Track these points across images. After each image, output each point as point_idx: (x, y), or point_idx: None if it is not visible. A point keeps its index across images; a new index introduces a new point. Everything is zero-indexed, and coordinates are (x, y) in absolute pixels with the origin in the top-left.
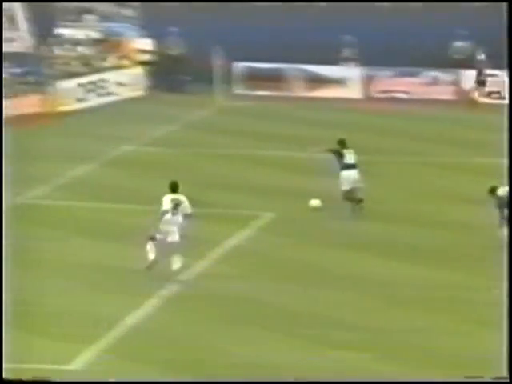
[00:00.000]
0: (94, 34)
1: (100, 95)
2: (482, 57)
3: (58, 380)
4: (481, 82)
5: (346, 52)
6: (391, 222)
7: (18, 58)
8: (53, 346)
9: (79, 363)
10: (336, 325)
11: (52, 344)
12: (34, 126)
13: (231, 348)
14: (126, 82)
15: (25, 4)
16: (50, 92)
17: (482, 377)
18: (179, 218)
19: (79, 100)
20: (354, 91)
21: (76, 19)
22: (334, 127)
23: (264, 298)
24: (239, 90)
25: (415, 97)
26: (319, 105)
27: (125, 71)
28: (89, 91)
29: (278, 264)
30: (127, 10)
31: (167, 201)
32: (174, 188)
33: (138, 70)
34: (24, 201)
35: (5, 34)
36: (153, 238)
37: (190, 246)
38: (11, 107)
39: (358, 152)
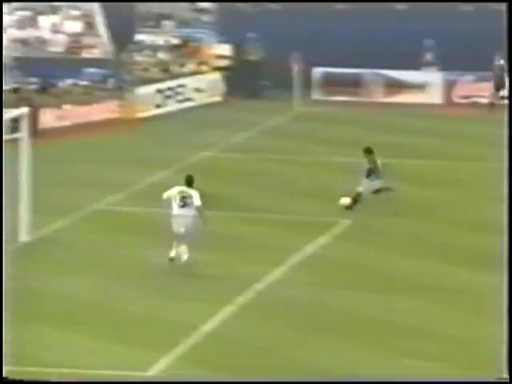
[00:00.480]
0: (173, 40)
1: (178, 101)
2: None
3: (58, 380)
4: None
5: (427, 56)
6: (472, 230)
7: (98, 64)
8: (130, 353)
9: (156, 370)
10: (412, 334)
11: (129, 350)
12: (113, 132)
13: (306, 356)
14: (203, 87)
15: (104, 10)
16: (129, 98)
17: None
18: (188, 211)
19: (157, 106)
20: (434, 96)
21: (155, 25)
22: (414, 133)
23: (340, 306)
24: (317, 95)
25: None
26: (398, 110)
27: (203, 77)
28: (167, 97)
29: (354, 272)
30: (205, 16)
31: (172, 191)
32: (188, 182)
33: (216, 76)
34: (102, 207)
35: (85, 40)
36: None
37: (205, 241)
38: (90, 113)
39: (438, 158)
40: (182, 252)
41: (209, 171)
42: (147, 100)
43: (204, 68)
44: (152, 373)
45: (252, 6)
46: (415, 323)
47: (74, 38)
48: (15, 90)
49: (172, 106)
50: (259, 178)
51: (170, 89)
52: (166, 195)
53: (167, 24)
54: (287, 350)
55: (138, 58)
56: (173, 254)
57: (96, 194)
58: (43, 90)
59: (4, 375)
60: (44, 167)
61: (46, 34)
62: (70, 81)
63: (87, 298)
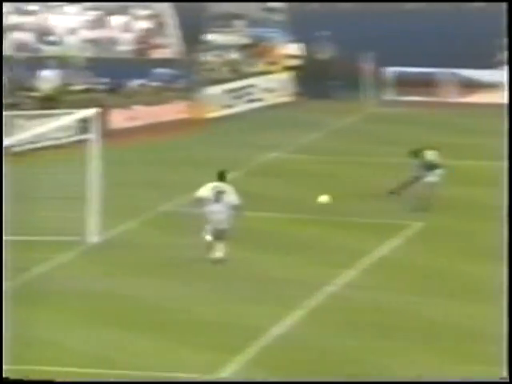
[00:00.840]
0: (243, 40)
1: (247, 101)
2: None
3: (57, 380)
4: None
5: (501, 55)
6: None
7: (167, 64)
8: (197, 356)
9: (225, 373)
10: (481, 338)
11: (196, 353)
12: (181, 133)
13: (377, 360)
14: (273, 87)
15: (175, 10)
16: (198, 98)
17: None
18: (223, 207)
19: (226, 106)
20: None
21: (225, 25)
22: (488, 134)
23: (411, 310)
24: (388, 95)
25: None
26: (472, 111)
27: (272, 77)
28: (236, 97)
29: (425, 275)
30: (276, 15)
31: (206, 188)
32: (221, 176)
33: (286, 76)
34: (170, 208)
35: (154, 41)
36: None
37: (236, 237)
38: (160, 114)
39: None
40: (219, 249)
41: (277, 172)
42: (216, 100)
43: (274, 68)
44: (221, 375)
45: (322, 6)
46: (483, 328)
47: (144, 38)
48: (85, 91)
49: (241, 107)
50: (328, 180)
51: (239, 89)
52: (200, 193)
53: (238, 23)
54: (356, 354)
55: (208, 57)
56: (218, 254)
57: (164, 196)
58: (113, 90)
59: (5, 375)
60: (113, 168)
61: (117, 34)
62: (139, 81)
63: (153, 301)
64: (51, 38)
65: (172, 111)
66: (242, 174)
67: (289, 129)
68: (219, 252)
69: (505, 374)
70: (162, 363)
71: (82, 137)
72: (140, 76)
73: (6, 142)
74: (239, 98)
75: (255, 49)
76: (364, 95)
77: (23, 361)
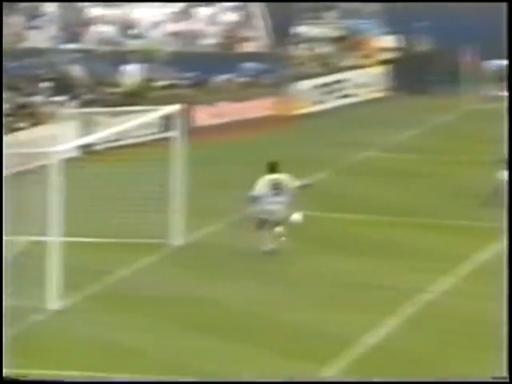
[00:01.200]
0: (335, 32)
1: (338, 97)
2: None
3: (58, 380)
4: None
5: None
6: None
7: (255, 58)
8: (286, 364)
9: None
10: None
11: (285, 361)
12: (268, 131)
13: (481, 371)
14: (366, 82)
15: (262, 1)
16: (286, 94)
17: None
18: (283, 197)
19: (316, 102)
20: None
21: (316, 16)
22: None
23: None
24: (489, 91)
25: None
26: None
27: (365, 71)
28: (326, 93)
29: None
30: (371, 6)
31: (262, 184)
32: (272, 168)
33: (380, 70)
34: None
35: (241, 33)
36: (260, 225)
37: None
38: (246, 110)
39: None
40: (278, 239)
41: (367, 172)
42: (305, 96)
43: (367, 61)
44: None
45: None
46: None
47: (231, 30)
48: (169, 86)
49: (331, 103)
50: (424, 181)
51: (329, 84)
52: (257, 191)
53: (329, 15)
54: (451, 365)
55: (298, 51)
56: (271, 245)
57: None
58: (198, 86)
59: (4, 375)
60: (197, 167)
61: (202, 27)
62: (225, 76)
63: (240, 306)
64: (134, 32)
65: (259, 108)
66: (330, 174)
67: (382, 126)
68: (273, 243)
69: (505, 373)
70: (248, 371)
71: (165, 134)
72: (226, 71)
73: (86, 139)
74: (330, 93)
75: (348, 41)
76: (464, 90)
77: (100, 367)
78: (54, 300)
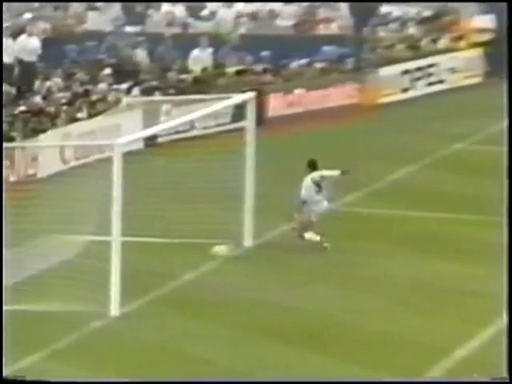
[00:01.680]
0: (423, 12)
1: (428, 84)
2: None
3: (58, 380)
4: None
5: None
6: None
7: (335, 41)
8: (370, 378)
9: None
10: None
11: (372, 375)
12: (350, 121)
13: None
14: (459, 67)
15: None
16: (370, 80)
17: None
18: (324, 195)
19: (403, 90)
20: None
21: None
22: None
23: None
24: None
25: None
26: None
27: (459, 54)
28: (415, 79)
29: None
30: None
31: (307, 186)
32: (313, 166)
33: (474, 53)
34: (336, 207)
35: (320, 14)
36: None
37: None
38: (326, 98)
39: None
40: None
41: (459, 167)
42: (391, 83)
43: (460, 44)
44: None
45: None
46: None
47: (308, 11)
48: (240, 72)
49: (421, 90)
50: None
51: (419, 69)
52: (305, 196)
53: None
54: None
55: (382, 33)
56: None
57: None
58: (272, 72)
59: (4, 375)
60: (270, 161)
61: (277, 7)
62: (303, 61)
63: (318, 312)
64: (204, 13)
65: (339, 95)
66: (418, 169)
67: (476, 116)
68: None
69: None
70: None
71: (237, 125)
72: (303, 55)
73: (151, 131)
74: (419, 79)
75: (438, 22)
76: None
77: (163, 375)
78: (115, 305)
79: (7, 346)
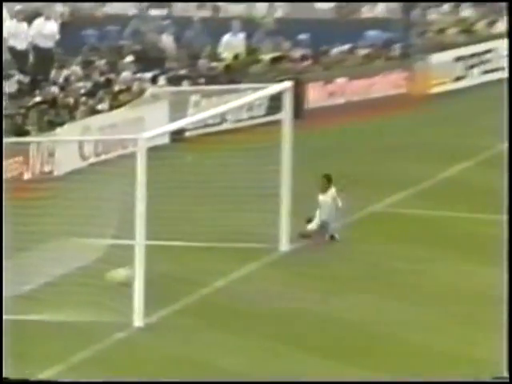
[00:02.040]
0: None
1: (484, 72)
2: None
3: (57, 380)
4: None
5: None
6: None
7: (380, 25)
8: None
9: None
10: None
11: None
12: (396, 113)
13: None
14: None
15: None
16: (419, 68)
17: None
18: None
19: (457, 78)
20: None
21: None
22: None
23: None
24: None
25: None
26: None
27: None
28: (470, 67)
29: None
30: None
31: (329, 205)
32: (329, 181)
33: None
34: (380, 209)
35: None
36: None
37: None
38: (370, 88)
39: None
40: None
41: None
42: (443, 71)
43: None
44: None
45: None
46: None
47: None
48: (276, 59)
49: (476, 78)
50: None
51: (473, 56)
52: (327, 214)
53: None
54: None
55: (433, 15)
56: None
57: (373, 193)
58: (311, 58)
59: (5, 375)
60: (308, 157)
61: None
62: (345, 47)
63: (358, 323)
64: None
65: (385, 85)
66: (471, 166)
67: None
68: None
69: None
70: None
71: (272, 118)
72: (345, 41)
73: (179, 124)
74: (473, 67)
75: (494, 3)
76: None
77: None
78: (139, 315)
79: (21, 359)
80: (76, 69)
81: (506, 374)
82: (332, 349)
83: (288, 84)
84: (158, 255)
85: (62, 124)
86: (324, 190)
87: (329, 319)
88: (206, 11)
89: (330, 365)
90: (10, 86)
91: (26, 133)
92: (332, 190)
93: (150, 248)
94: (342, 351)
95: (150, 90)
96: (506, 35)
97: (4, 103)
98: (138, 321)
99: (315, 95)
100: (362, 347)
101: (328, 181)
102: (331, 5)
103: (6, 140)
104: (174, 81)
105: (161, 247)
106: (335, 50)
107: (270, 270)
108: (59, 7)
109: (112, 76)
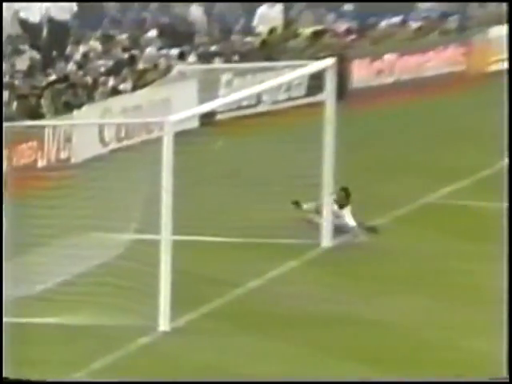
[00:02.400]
0: None
1: None
2: None
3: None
4: None
5: None
6: None
7: None
8: None
9: None
10: None
11: None
12: (452, 92)
13: None
14: None
15: None
16: (478, 43)
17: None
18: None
19: None
20: None
21: None
22: None
23: None
24: None
25: None
26: None
27: None
28: None
29: None
30: None
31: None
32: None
33: None
34: (432, 200)
35: None
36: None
37: None
38: (423, 65)
39: None
40: None
41: None
42: (503, 46)
43: None
44: None
45: None
46: None
47: None
48: (317, 34)
49: None
50: None
51: None
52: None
53: None
54: None
55: None
56: None
57: (424, 182)
58: (357, 33)
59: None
60: (355, 142)
61: None
62: (394, 19)
63: (405, 328)
64: None
65: (439, 62)
66: None
67: None
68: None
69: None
70: None
71: (313, 99)
72: (395, 12)
73: (209, 105)
74: None
75: None
76: None
77: None
78: (164, 318)
79: (37, 365)
80: (95, 44)
81: (505, 374)
82: (376, 356)
83: (330, 61)
84: (185, 252)
85: (79, 106)
86: (341, 206)
87: (372, 323)
88: None
89: (374, 374)
90: (21, 63)
91: (40, 116)
92: (348, 210)
93: (176, 244)
94: (387, 358)
95: (178, 67)
96: (507, 35)
97: (16, 82)
98: (163, 325)
99: (361, 73)
100: (410, 354)
101: (346, 196)
102: None
103: (18, 124)
104: (204, 58)
105: (189, 243)
106: (384, 23)
107: (310, 269)
108: None
109: (135, 52)
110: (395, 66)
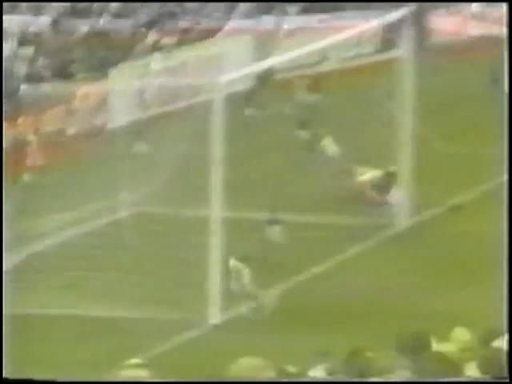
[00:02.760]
0: None
1: None
2: None
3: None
4: None
5: None
6: None
7: None
8: None
9: None
10: None
11: None
12: None
13: None
14: None
15: None
16: None
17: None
18: None
19: None
20: None
21: None
22: None
23: None
24: None
25: None
26: None
27: None
28: None
29: None
30: None
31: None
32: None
33: None
34: None
35: None
36: None
37: None
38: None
39: None
40: None
41: None
42: None
43: None
44: None
45: None
46: None
47: None
48: None
49: None
50: None
51: None
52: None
53: None
54: None
55: None
56: None
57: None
58: None
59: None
60: (433, 105)
61: None
62: None
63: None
64: None
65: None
66: None
67: None
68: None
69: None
70: None
71: (387, 56)
72: None
73: (264, 64)
74: None
75: None
76: None
77: None
78: (214, 310)
79: (89, 358)
80: None
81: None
82: None
83: (406, 11)
84: (238, 231)
85: (115, 64)
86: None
87: (444, 315)
88: None
89: None
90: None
91: (70, 75)
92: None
93: (228, 222)
94: None
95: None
96: (507, 35)
97: (42, 35)
98: (213, 317)
99: (442, 26)
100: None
101: (389, 177)
102: None
103: (44, 84)
104: (254, 11)
105: (242, 220)
106: None
107: (379, 252)
108: None
109: (179, 8)
110: (481, 18)
